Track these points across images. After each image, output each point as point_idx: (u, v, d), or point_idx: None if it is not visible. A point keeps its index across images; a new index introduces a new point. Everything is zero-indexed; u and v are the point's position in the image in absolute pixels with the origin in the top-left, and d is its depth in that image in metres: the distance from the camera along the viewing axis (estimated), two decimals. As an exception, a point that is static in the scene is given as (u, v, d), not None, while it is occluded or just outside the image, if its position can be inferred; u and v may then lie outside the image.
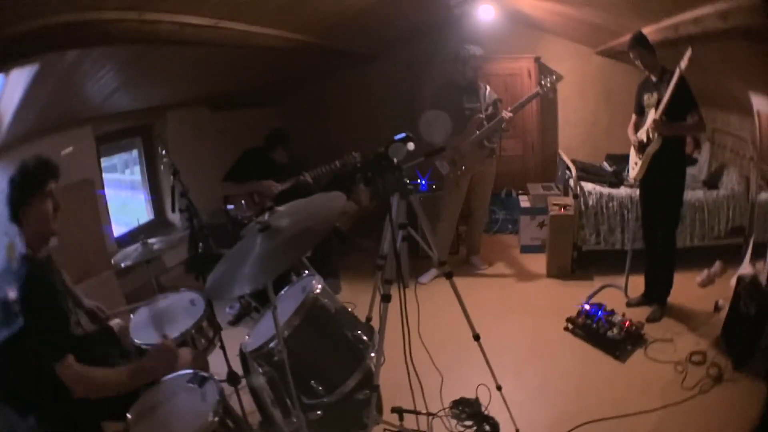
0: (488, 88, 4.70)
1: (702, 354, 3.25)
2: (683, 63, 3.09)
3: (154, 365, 2.01)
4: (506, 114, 4.43)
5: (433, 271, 4.78)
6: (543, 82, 4.47)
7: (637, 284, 4.08)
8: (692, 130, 3.47)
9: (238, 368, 2.62)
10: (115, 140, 4.62)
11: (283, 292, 2.59)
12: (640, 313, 3.80)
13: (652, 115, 3.44)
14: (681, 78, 3.19)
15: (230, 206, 4.28)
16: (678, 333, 3.59)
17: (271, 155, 4.40)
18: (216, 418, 1.88)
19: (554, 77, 4.47)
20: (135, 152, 5.00)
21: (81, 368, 1.82)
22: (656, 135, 3.44)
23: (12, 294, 1.86)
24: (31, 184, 1.91)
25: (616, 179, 4.85)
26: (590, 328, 3.63)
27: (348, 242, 5.21)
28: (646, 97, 3.57)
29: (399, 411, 2.71)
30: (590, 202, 4.62)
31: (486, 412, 2.86)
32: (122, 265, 2.91)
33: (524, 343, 3.69)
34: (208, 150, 5.26)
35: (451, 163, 4.62)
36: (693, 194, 4.48)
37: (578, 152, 5.90)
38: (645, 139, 3.54)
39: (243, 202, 4.27)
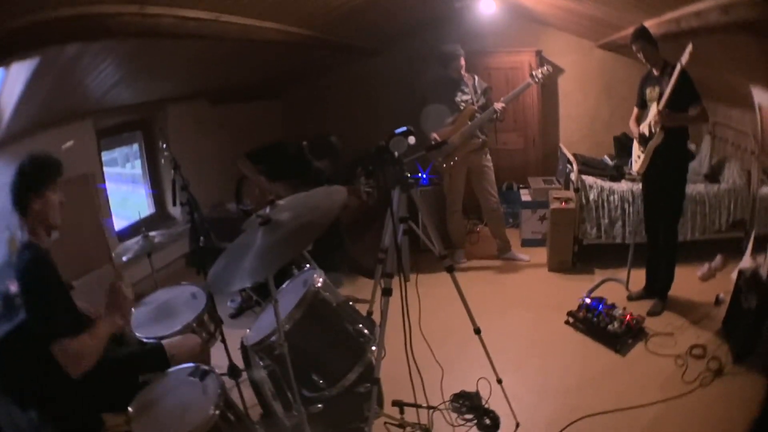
0: (476, 78, 4.71)
1: (702, 347, 3.26)
2: (684, 58, 3.09)
3: (109, 309, 2.03)
4: (498, 105, 4.47)
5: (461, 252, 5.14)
6: (534, 73, 4.51)
7: (638, 278, 4.08)
8: (695, 121, 3.46)
9: (239, 361, 2.62)
10: (115, 134, 4.62)
11: (284, 285, 2.60)
12: (641, 307, 3.79)
13: (654, 109, 3.44)
14: (682, 72, 3.19)
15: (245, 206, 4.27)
16: (679, 327, 3.59)
17: (311, 159, 4.25)
18: (217, 412, 1.90)
19: (545, 68, 4.50)
20: (135, 146, 5.00)
21: (73, 345, 1.81)
22: (658, 129, 3.44)
23: (13, 287, 1.86)
24: (43, 177, 1.98)
25: (617, 173, 4.85)
26: (591, 321, 3.63)
27: (340, 243, 5.17)
28: (648, 90, 3.56)
29: (400, 404, 2.71)
30: (591, 196, 4.61)
31: (486, 406, 2.86)
32: (123, 258, 2.91)
33: (525, 337, 3.69)
34: (209, 143, 5.27)
35: (441, 155, 4.62)
36: (694, 188, 4.47)
37: (579, 146, 5.90)
38: (647, 133, 3.54)
39: (257, 191, 4.26)
